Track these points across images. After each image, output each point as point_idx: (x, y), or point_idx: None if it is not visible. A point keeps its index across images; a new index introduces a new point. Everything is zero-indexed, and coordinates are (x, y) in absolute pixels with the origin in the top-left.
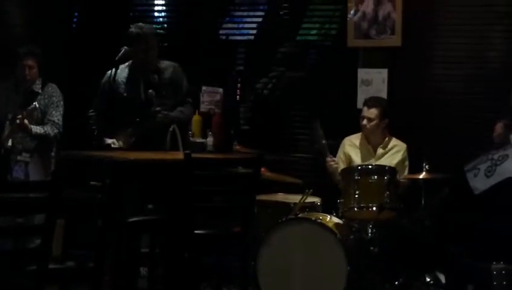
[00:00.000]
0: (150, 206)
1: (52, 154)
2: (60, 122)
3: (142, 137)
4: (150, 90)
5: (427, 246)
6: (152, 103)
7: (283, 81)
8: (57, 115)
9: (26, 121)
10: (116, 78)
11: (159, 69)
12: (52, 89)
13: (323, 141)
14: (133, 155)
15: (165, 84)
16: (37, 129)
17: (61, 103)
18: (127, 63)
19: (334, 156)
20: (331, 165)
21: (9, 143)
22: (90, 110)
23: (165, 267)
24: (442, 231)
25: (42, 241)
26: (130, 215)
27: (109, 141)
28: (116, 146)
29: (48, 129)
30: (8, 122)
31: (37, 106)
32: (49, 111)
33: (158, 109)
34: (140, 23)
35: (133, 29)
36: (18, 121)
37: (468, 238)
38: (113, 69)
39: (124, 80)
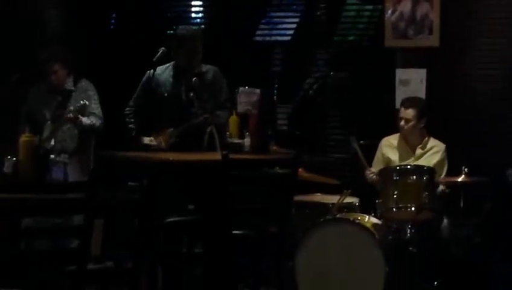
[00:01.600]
0: (191, 206)
1: (91, 155)
2: (101, 114)
3: (182, 138)
4: (191, 93)
5: (473, 266)
6: (193, 105)
7: (319, 81)
8: (96, 108)
9: (71, 114)
10: (158, 78)
11: (200, 72)
12: (86, 83)
13: (362, 157)
14: (171, 156)
15: (205, 87)
16: (85, 119)
17: (97, 96)
18: (169, 64)
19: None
20: (371, 177)
21: (52, 143)
22: (127, 109)
23: (203, 268)
24: (489, 249)
25: (81, 242)
26: (169, 216)
27: (147, 140)
28: (154, 144)
29: (93, 120)
30: (48, 122)
31: (87, 102)
32: (89, 104)
33: (199, 111)
34: (187, 26)
35: (179, 30)
36: (71, 115)
37: None
38: (152, 70)
39: (166, 81)
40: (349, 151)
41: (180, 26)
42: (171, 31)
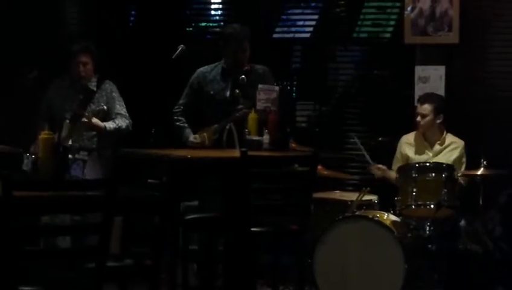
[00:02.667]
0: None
1: (110, 152)
2: (127, 114)
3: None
4: (237, 91)
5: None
6: (238, 102)
7: (339, 78)
8: (122, 109)
9: (94, 120)
10: (206, 76)
11: (250, 71)
12: (110, 85)
13: (366, 154)
14: (190, 153)
15: (252, 86)
16: (110, 125)
17: (121, 97)
18: (218, 63)
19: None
20: (376, 173)
21: (70, 142)
22: (176, 107)
23: (223, 265)
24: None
25: (100, 239)
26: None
27: (191, 137)
28: (198, 142)
29: (120, 122)
30: (67, 121)
31: (105, 108)
32: (113, 106)
33: (240, 106)
34: (234, 24)
35: (225, 29)
36: (85, 119)
37: None
38: (204, 67)
39: (213, 79)
40: (353, 149)
41: (227, 25)
42: (191, 28)
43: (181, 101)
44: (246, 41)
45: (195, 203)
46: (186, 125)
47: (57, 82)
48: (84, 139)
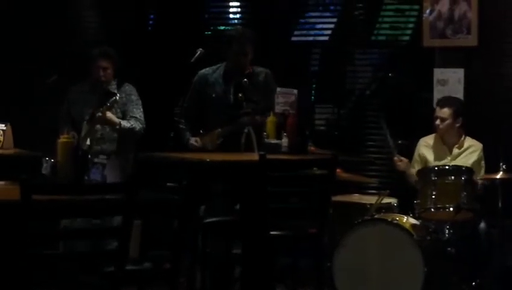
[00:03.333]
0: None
1: (130, 156)
2: (143, 119)
3: (228, 139)
4: (240, 94)
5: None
6: (241, 107)
7: (358, 81)
8: (138, 112)
9: (109, 114)
10: (208, 78)
11: (251, 73)
12: (129, 88)
13: (390, 140)
14: (209, 156)
15: (255, 89)
16: (124, 123)
17: (140, 101)
18: (220, 64)
19: (406, 157)
20: (399, 165)
21: (88, 142)
22: (177, 108)
23: (241, 269)
24: None
25: (119, 243)
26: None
27: (192, 140)
28: (198, 145)
29: (134, 123)
30: (85, 122)
31: (117, 97)
32: (130, 108)
33: (247, 110)
34: (238, 27)
35: (228, 31)
36: (100, 114)
37: None
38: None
39: (215, 81)
40: (380, 134)
41: (232, 28)
42: (209, 32)
43: (184, 103)
44: (249, 45)
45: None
46: (185, 127)
47: (76, 87)
48: (106, 141)
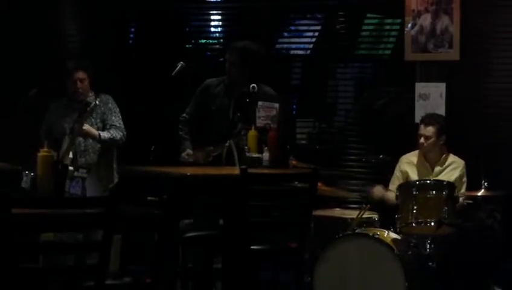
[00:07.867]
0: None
1: (111, 169)
2: (122, 126)
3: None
4: (239, 114)
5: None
6: (236, 126)
7: (340, 95)
8: (117, 120)
9: (86, 126)
10: (210, 90)
11: (253, 92)
12: (106, 97)
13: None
14: (190, 171)
15: (254, 109)
16: (104, 134)
17: (118, 109)
18: (223, 77)
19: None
20: (374, 192)
21: (70, 155)
22: (182, 115)
23: (222, 283)
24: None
25: (99, 257)
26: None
27: (184, 153)
28: (189, 159)
29: (114, 133)
30: (66, 136)
31: (97, 102)
32: (109, 117)
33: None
34: (246, 41)
35: (233, 43)
36: (78, 124)
37: None
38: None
39: (217, 94)
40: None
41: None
42: (190, 45)
43: (187, 110)
44: (241, 56)
45: (191, 221)
46: (187, 137)
47: (54, 104)
48: (90, 153)
